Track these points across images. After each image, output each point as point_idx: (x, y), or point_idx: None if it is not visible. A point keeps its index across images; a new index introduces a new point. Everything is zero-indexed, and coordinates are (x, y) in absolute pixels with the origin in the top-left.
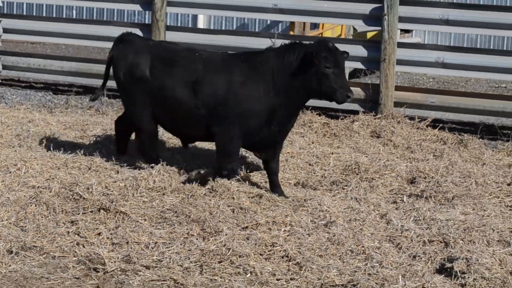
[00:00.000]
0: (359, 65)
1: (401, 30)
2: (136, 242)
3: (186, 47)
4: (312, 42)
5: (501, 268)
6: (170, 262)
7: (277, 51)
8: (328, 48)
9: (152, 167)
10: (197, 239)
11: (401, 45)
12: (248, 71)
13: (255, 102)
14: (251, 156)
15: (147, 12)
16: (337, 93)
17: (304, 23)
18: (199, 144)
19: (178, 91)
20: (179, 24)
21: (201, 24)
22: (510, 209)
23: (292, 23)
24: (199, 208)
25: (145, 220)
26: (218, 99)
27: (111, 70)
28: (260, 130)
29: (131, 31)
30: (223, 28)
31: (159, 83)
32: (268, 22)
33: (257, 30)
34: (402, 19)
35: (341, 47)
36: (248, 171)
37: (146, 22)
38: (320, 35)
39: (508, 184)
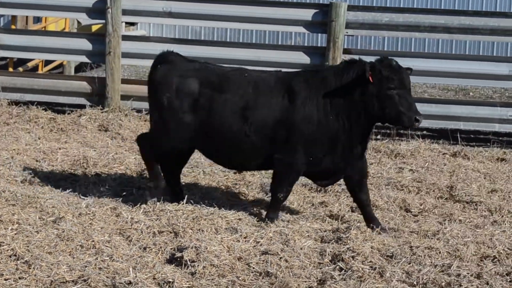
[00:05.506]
0: (84, 59)
1: (127, 23)
2: None
3: (235, 68)
4: (374, 59)
5: (229, 255)
6: None
7: (335, 69)
8: (390, 66)
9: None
10: None
11: (126, 38)
12: (306, 92)
13: (314, 126)
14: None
15: None
16: (403, 117)
17: (27, 16)
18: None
19: (229, 118)
20: None
21: None
22: (236, 198)
23: (14, 17)
24: None
25: None
26: (275, 124)
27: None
28: (322, 157)
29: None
30: None
31: (210, 112)
32: None
33: None
34: (126, 12)
35: (65, 41)
36: None
37: None
38: (43, 29)
39: (234, 173)
